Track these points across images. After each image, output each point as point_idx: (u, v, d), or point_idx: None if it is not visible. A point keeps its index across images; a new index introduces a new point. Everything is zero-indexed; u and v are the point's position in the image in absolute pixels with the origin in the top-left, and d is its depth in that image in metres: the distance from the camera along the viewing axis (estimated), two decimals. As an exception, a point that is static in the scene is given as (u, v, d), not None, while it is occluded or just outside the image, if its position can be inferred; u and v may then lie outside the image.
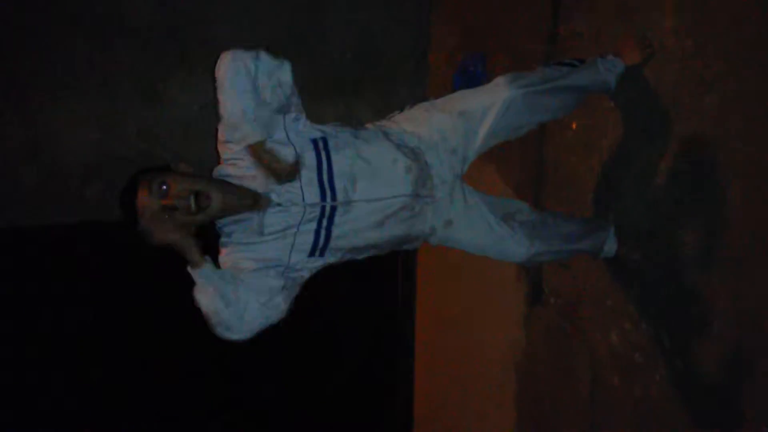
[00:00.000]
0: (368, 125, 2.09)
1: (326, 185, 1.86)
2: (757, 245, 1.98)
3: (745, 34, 1.99)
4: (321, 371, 4.47)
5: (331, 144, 1.89)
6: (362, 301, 4.31)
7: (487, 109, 2.04)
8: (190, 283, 1.79)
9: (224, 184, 1.81)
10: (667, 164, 2.29)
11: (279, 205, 1.85)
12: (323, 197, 1.86)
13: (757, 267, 1.98)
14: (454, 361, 3.99)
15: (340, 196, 1.87)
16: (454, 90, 3.35)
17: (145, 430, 4.12)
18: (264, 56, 1.85)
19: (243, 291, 1.77)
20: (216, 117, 1.87)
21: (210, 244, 1.86)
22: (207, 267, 1.76)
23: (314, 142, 1.89)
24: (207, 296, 1.74)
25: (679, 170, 2.25)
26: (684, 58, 2.20)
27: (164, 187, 1.69)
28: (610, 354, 2.56)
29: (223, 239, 1.89)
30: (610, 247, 2.41)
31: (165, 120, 3.63)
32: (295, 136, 1.88)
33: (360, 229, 1.92)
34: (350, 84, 3.89)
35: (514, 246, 2.15)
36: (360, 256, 2.03)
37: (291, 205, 1.85)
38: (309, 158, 1.86)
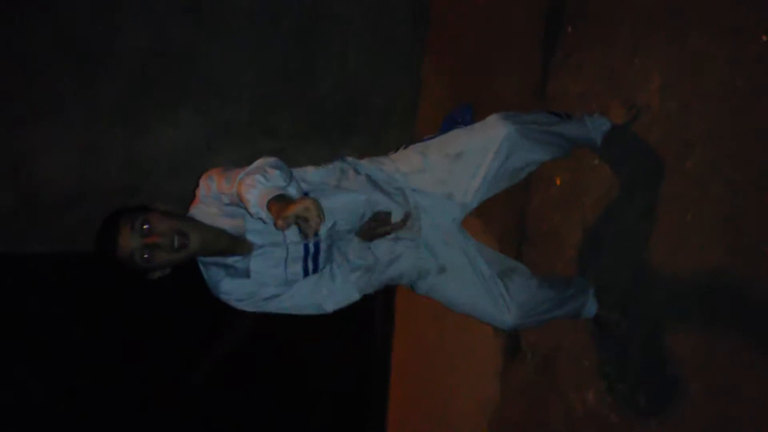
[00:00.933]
0: (364, 161, 2.07)
1: None
2: (737, 307, 1.98)
3: (730, 99, 2.02)
4: (292, 419, 4.40)
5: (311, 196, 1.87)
6: (339, 343, 4.26)
7: (485, 149, 2.00)
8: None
9: (202, 224, 1.79)
10: (649, 224, 2.29)
11: (261, 247, 1.84)
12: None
13: (735, 330, 1.98)
14: (428, 412, 3.92)
15: (322, 233, 1.85)
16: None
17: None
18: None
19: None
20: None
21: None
22: None
23: None
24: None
25: (659, 230, 2.26)
26: (668, 119, 2.23)
27: (146, 225, 1.67)
28: (585, 413, 2.53)
29: (215, 284, 1.89)
30: (590, 308, 2.39)
31: (150, 154, 3.62)
32: None
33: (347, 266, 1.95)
34: (338, 127, 3.92)
35: (503, 309, 2.09)
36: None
37: (273, 246, 1.84)
38: None
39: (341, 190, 1.93)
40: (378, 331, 4.39)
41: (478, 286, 2.08)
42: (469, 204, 2.07)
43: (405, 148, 2.13)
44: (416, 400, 4.12)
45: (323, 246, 1.89)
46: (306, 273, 1.90)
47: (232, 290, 1.88)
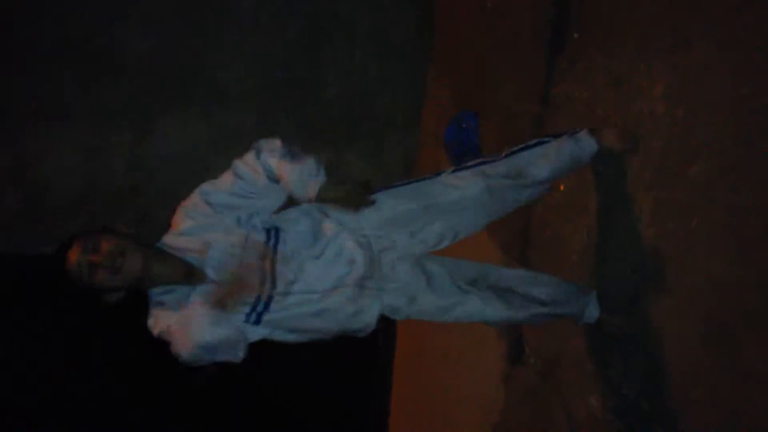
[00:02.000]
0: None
1: (267, 273, 1.87)
2: (741, 315, 1.98)
3: (735, 106, 2.02)
4: (294, 424, 4.39)
5: (281, 237, 1.91)
6: (340, 350, 4.25)
7: (455, 205, 2.08)
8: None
9: (156, 253, 1.83)
10: (653, 231, 2.30)
11: (214, 282, 1.85)
12: (261, 284, 1.86)
13: (739, 337, 1.98)
14: (431, 418, 3.92)
15: (279, 286, 1.88)
16: (445, 144, 3.41)
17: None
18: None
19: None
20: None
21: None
22: None
23: (267, 230, 1.92)
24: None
25: (663, 237, 2.27)
26: (673, 125, 2.23)
27: (96, 246, 1.74)
28: (588, 418, 2.53)
29: (153, 307, 1.88)
30: (591, 312, 2.39)
31: (155, 156, 3.63)
32: (247, 219, 1.91)
33: (295, 316, 1.91)
34: (342, 133, 3.92)
35: (488, 309, 2.14)
36: (301, 339, 2.00)
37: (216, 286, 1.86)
38: (258, 239, 1.89)
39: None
40: (380, 337, 4.39)
41: (453, 297, 2.12)
42: (434, 247, 2.13)
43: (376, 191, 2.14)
44: (419, 405, 4.12)
45: (275, 299, 1.89)
46: (247, 320, 1.88)
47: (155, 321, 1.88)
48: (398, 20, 3.90)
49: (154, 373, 3.78)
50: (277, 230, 1.93)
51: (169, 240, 1.89)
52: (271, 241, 1.90)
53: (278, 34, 3.73)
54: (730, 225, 2.01)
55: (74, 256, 1.73)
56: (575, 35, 2.78)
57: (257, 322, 1.88)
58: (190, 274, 1.84)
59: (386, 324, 4.27)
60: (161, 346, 1.86)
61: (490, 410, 3.22)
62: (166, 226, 1.92)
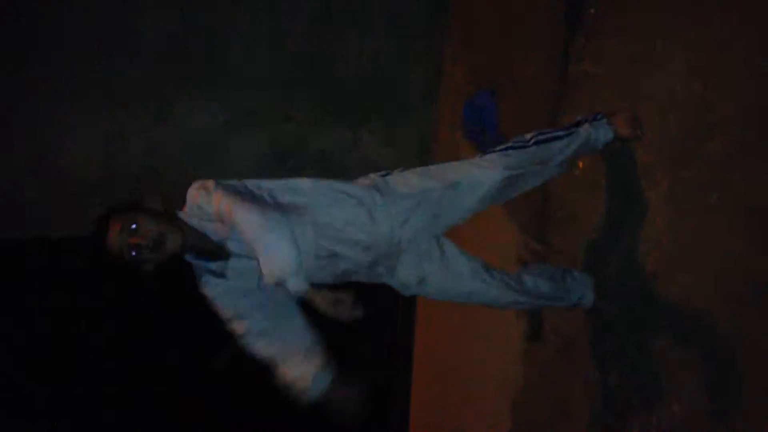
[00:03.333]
0: (362, 183, 2.12)
1: None
2: (759, 294, 1.98)
3: (753, 82, 2.01)
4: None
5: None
6: (361, 327, 4.27)
7: (476, 186, 2.13)
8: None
9: (186, 226, 1.89)
10: (671, 207, 2.29)
11: (239, 256, 1.92)
12: None
13: (755, 316, 1.98)
14: (451, 394, 3.95)
15: None
16: (463, 124, 3.41)
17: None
18: None
19: None
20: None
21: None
22: None
23: None
24: None
25: (681, 214, 2.26)
26: (690, 101, 2.21)
27: (134, 226, 1.80)
28: (607, 395, 2.54)
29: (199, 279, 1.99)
30: (588, 299, 2.50)
31: (172, 140, 3.65)
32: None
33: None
34: (358, 112, 3.92)
35: (500, 295, 2.30)
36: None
37: (249, 259, 1.90)
38: None
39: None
40: (400, 316, 4.40)
41: (464, 282, 2.24)
42: (450, 224, 2.21)
43: (402, 170, 2.19)
44: (439, 382, 4.15)
45: None
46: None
47: (212, 289, 1.97)
48: (413, -1, 3.89)
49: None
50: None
51: (189, 215, 1.93)
52: None
53: (292, 16, 3.72)
54: (747, 202, 2.00)
55: (115, 237, 1.80)
56: (591, 11, 2.76)
57: None
58: (216, 248, 1.91)
59: (406, 302, 4.31)
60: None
61: (509, 386, 3.24)
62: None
